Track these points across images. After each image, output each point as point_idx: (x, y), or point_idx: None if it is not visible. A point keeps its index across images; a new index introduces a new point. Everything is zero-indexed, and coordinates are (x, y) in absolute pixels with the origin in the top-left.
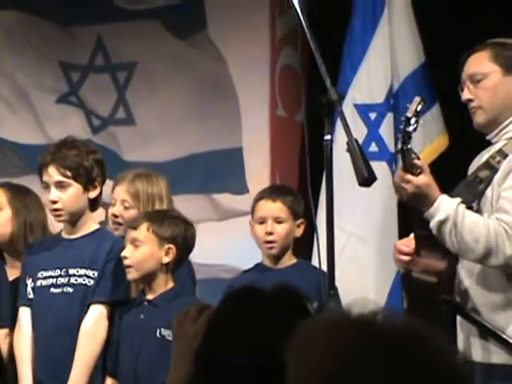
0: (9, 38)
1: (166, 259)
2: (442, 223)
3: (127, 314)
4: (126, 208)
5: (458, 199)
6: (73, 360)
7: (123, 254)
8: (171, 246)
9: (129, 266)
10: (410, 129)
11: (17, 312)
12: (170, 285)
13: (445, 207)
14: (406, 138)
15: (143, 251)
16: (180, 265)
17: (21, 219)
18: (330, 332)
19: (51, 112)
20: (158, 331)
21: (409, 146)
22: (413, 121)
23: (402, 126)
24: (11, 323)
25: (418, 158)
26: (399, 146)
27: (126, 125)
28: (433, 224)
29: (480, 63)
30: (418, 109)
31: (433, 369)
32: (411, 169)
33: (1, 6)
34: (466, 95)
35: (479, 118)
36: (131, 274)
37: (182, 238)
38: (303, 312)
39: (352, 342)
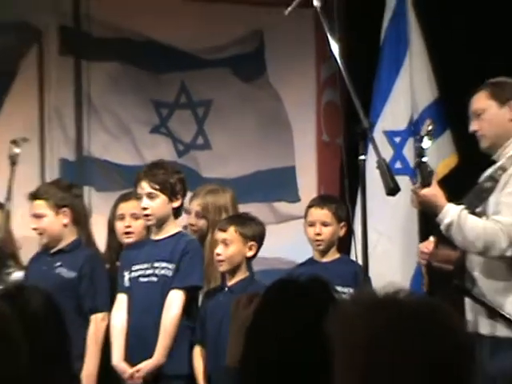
0: (112, 82)
1: (250, 253)
2: (449, 226)
3: (211, 297)
4: (199, 218)
5: (462, 206)
6: (155, 335)
7: (217, 251)
8: (253, 243)
9: (221, 261)
10: (424, 145)
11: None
12: (247, 273)
13: (451, 212)
14: (421, 152)
15: (232, 249)
16: (255, 257)
17: None
18: (366, 312)
19: (146, 140)
20: None
21: (423, 159)
22: (426, 138)
23: (416, 144)
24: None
25: (432, 170)
26: (416, 159)
27: (204, 149)
28: (442, 226)
29: (480, 100)
30: (429, 128)
31: (444, 332)
32: (428, 178)
33: (107, 58)
34: (472, 127)
35: (483, 144)
36: (223, 267)
37: (259, 235)
38: (331, 299)
39: (384, 318)
